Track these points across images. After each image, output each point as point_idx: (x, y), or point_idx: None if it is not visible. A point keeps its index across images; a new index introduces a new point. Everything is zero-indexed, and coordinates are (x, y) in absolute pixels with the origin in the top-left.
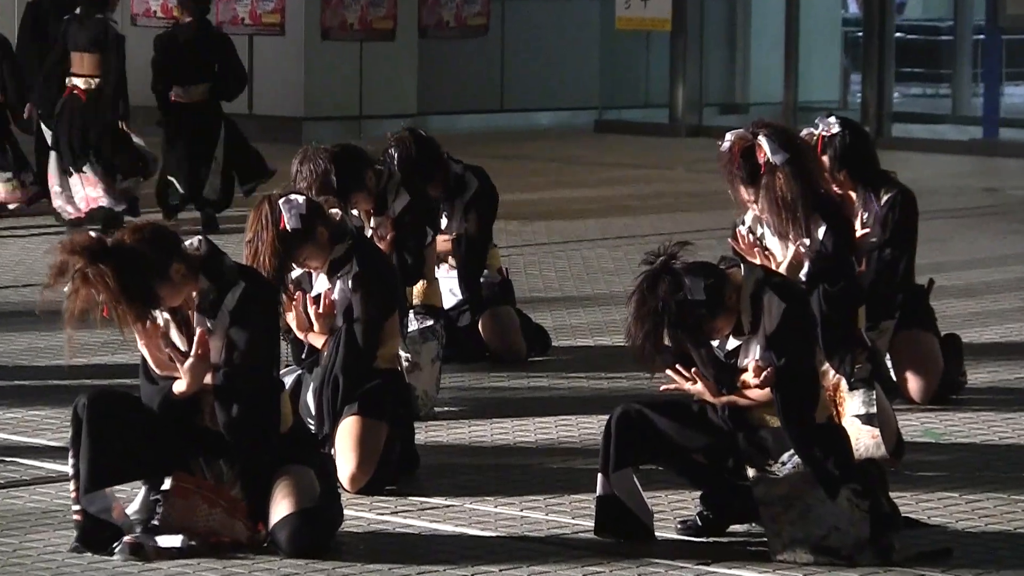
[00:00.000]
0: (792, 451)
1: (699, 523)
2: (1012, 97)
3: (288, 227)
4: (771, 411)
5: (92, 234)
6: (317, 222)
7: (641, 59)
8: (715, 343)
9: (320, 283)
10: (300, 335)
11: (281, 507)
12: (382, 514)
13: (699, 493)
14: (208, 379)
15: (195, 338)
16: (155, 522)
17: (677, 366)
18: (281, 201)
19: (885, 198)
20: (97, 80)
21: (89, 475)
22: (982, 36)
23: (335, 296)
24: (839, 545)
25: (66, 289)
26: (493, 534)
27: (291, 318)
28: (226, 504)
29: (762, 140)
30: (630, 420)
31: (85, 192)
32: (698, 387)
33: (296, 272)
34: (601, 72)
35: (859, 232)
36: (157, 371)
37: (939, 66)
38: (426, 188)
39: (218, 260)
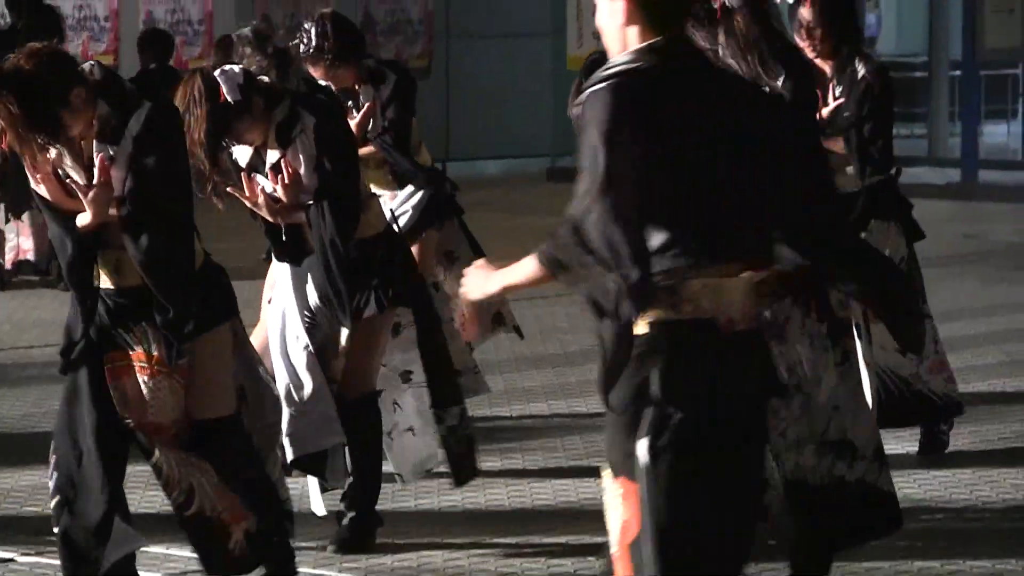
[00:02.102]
0: None
1: None
2: (992, 136)
3: (228, 99)
4: None
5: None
6: (253, 92)
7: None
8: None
9: (272, 156)
10: (272, 219)
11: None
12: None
13: None
14: (112, 211)
15: (96, 167)
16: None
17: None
18: (217, 73)
19: (861, 72)
20: None
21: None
22: (959, 72)
23: (300, 164)
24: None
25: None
26: None
27: (260, 204)
28: (162, 368)
29: None
30: None
31: (18, 241)
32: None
33: (242, 156)
34: (554, 116)
35: (831, 104)
36: (60, 206)
37: (914, 104)
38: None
39: (118, 83)
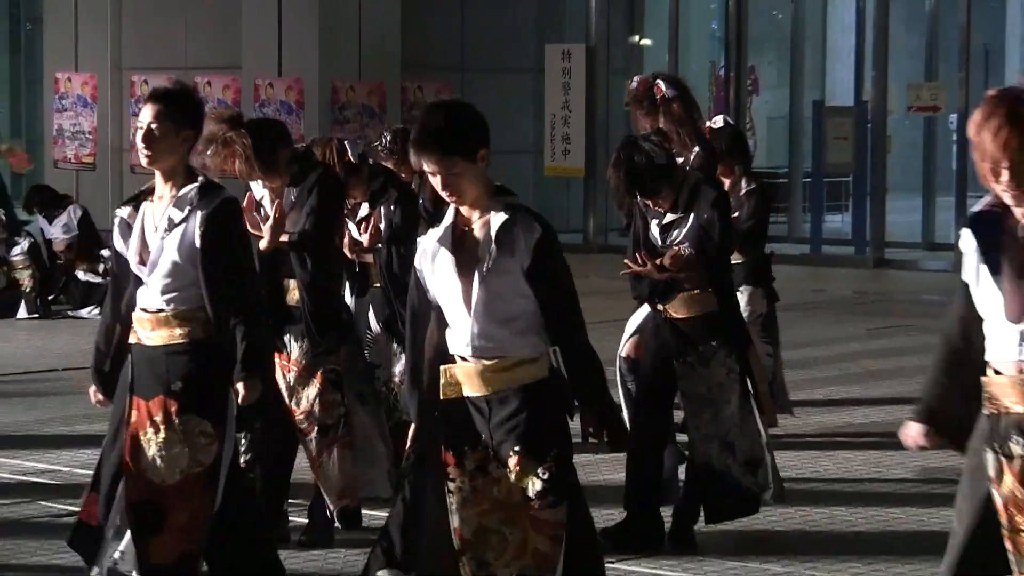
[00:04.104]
0: (713, 342)
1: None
2: (831, 223)
3: (352, 160)
4: (693, 303)
5: (234, 109)
6: (364, 162)
7: (563, 196)
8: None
9: (363, 211)
10: (349, 254)
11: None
12: None
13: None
14: (284, 238)
15: (274, 207)
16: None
17: (632, 256)
18: (347, 141)
19: (746, 189)
20: None
21: None
22: (809, 179)
23: (380, 222)
24: (738, 443)
25: (209, 152)
26: None
27: (344, 243)
28: (298, 370)
29: (659, 81)
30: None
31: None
32: (647, 268)
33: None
34: (534, 206)
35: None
36: (250, 229)
37: (779, 200)
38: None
39: (308, 153)
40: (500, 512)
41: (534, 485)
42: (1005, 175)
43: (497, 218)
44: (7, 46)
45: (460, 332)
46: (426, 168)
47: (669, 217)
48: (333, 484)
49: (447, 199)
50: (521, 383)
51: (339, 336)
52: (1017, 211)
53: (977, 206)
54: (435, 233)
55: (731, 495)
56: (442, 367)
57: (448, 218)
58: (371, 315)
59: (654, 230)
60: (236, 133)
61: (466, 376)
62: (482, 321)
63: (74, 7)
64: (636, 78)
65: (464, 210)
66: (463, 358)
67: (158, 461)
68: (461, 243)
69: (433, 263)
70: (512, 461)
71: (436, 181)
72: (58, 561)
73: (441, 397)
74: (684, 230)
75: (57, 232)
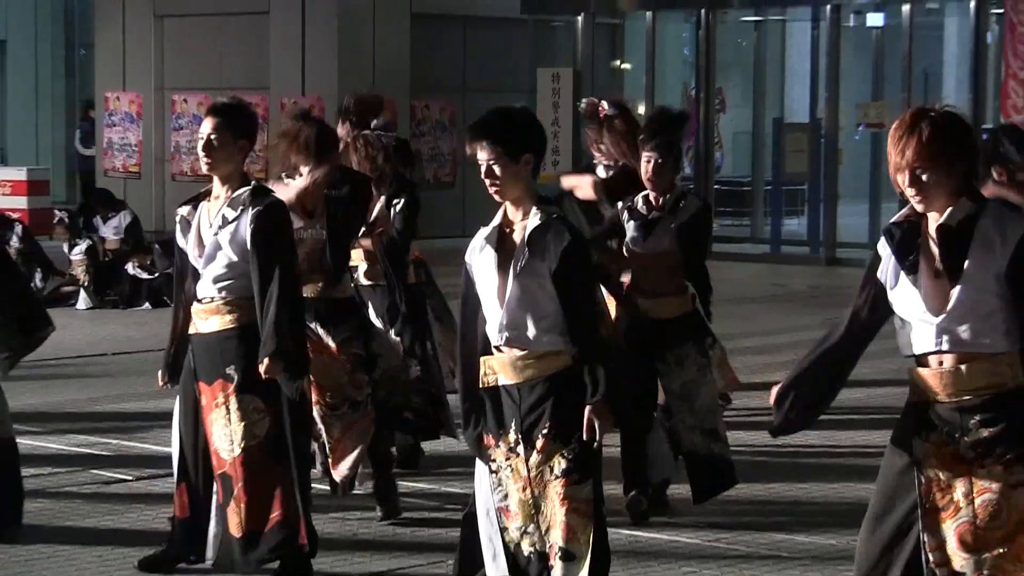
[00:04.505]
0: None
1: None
2: (789, 226)
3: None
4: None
5: (302, 106)
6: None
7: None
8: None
9: (377, 208)
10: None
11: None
12: None
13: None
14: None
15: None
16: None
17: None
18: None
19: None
20: None
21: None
22: (769, 187)
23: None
24: (718, 426)
25: (274, 141)
26: None
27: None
28: (330, 358)
29: (603, 102)
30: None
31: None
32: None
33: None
34: None
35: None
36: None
37: (743, 206)
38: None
39: (347, 168)
40: (533, 489)
41: (560, 465)
42: (910, 185)
43: (532, 222)
44: (63, 70)
45: (493, 322)
46: (480, 155)
47: (652, 215)
48: (352, 454)
49: (488, 189)
50: (548, 373)
51: (359, 322)
52: (929, 217)
53: (896, 217)
54: (484, 231)
55: (716, 473)
56: (482, 358)
57: (496, 219)
58: (371, 309)
59: (634, 231)
60: (305, 123)
61: (501, 366)
62: (512, 313)
63: (122, 35)
64: (584, 100)
65: (510, 213)
66: (498, 348)
67: (223, 437)
68: (503, 242)
69: (479, 258)
70: (540, 443)
71: (482, 169)
72: (107, 523)
73: (481, 386)
74: (663, 232)
75: (108, 232)
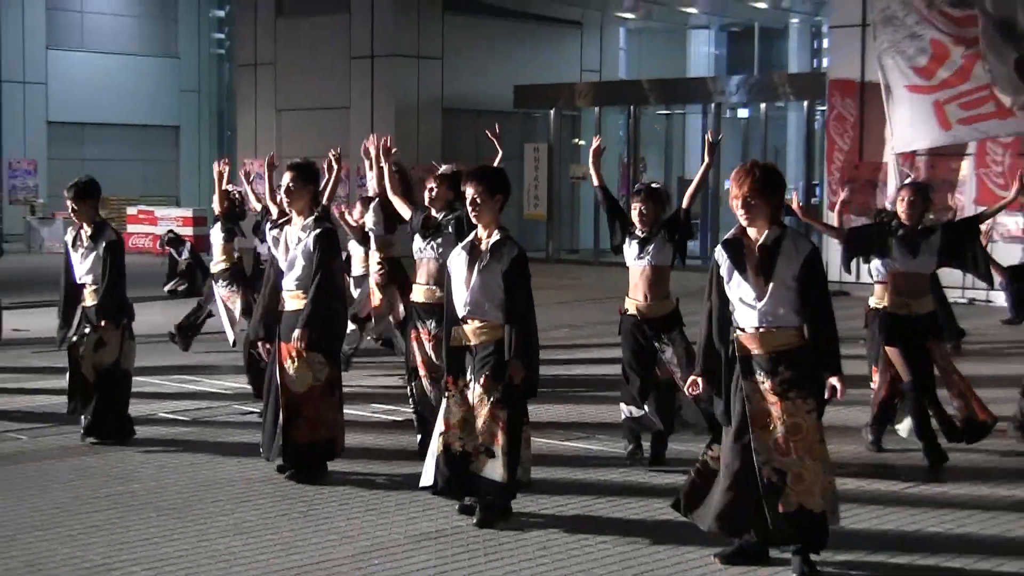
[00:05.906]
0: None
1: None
2: (691, 248)
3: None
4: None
5: (437, 165)
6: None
7: (534, 230)
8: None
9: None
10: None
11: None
12: None
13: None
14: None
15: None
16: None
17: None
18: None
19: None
20: None
21: None
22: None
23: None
24: (696, 421)
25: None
26: None
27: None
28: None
29: (443, 165)
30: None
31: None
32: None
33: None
34: (517, 233)
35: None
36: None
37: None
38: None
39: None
40: (473, 411)
41: (494, 395)
42: (742, 208)
43: (495, 238)
44: (217, 146)
45: (460, 301)
46: (468, 191)
47: (643, 234)
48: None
49: (470, 214)
50: (495, 339)
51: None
52: (751, 232)
53: (727, 235)
54: (463, 243)
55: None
56: (453, 327)
57: (472, 235)
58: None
59: (634, 247)
60: (431, 176)
61: (465, 333)
62: (474, 296)
63: (254, 122)
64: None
65: (481, 232)
66: (464, 320)
67: (295, 378)
68: (474, 249)
69: (457, 259)
70: (482, 381)
71: (467, 200)
72: (247, 438)
73: (451, 344)
74: (653, 246)
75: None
